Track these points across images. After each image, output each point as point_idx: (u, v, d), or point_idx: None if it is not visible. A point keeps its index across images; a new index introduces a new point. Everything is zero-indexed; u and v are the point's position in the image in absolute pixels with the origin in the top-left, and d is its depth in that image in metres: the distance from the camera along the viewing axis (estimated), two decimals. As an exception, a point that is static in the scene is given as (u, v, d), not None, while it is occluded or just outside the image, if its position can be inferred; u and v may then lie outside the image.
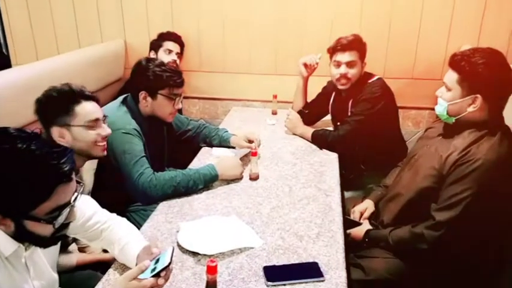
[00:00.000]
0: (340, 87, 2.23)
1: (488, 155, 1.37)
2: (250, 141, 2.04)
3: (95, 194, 1.81)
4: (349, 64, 2.16)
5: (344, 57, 2.15)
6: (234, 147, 2.12)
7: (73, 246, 1.70)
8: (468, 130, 1.47)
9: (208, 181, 1.75)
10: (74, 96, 1.45)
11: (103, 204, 1.37)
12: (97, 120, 1.49)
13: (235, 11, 2.85)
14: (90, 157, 1.55)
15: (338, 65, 2.18)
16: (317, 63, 2.38)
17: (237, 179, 1.84)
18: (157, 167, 1.78)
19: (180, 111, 2.88)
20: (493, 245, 1.47)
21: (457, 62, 1.45)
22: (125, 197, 1.80)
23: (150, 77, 1.80)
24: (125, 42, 3.04)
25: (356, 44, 2.16)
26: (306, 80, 2.45)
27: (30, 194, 0.91)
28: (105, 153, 1.54)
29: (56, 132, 1.43)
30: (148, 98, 1.82)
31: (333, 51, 2.19)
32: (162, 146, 2.06)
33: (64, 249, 1.59)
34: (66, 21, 3.06)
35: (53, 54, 2.95)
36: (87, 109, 1.46)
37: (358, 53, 2.16)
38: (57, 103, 1.44)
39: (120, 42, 3.02)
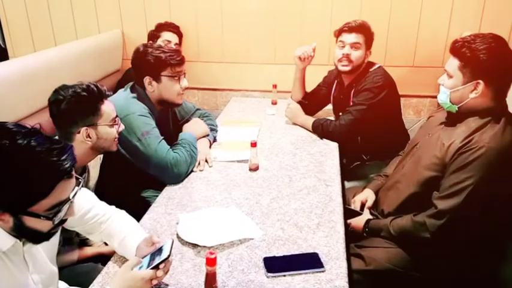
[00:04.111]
0: (340, 68, 2.19)
1: (492, 142, 1.35)
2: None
3: (99, 187, 1.81)
4: (354, 46, 2.14)
5: (349, 38, 2.14)
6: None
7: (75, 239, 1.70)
8: (471, 118, 1.45)
9: (193, 143, 1.90)
10: (100, 96, 1.45)
11: (108, 196, 1.37)
12: (116, 117, 1.52)
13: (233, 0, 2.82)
14: (105, 152, 1.56)
15: (342, 45, 2.16)
16: (313, 53, 2.33)
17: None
18: None
19: None
20: (495, 234, 1.46)
21: (458, 48, 1.43)
22: (129, 188, 1.81)
23: (150, 61, 1.80)
24: (123, 33, 3.01)
25: (363, 29, 2.15)
26: (303, 71, 2.41)
27: (31, 190, 0.90)
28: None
29: (83, 132, 1.42)
30: (154, 83, 1.83)
31: (339, 32, 2.18)
32: (169, 134, 2.05)
33: (68, 244, 1.58)
34: (63, 13, 3.03)
35: (50, 46, 2.93)
36: (110, 107, 1.48)
37: (364, 37, 2.14)
38: (88, 103, 1.42)
39: (118, 33, 2.99)
